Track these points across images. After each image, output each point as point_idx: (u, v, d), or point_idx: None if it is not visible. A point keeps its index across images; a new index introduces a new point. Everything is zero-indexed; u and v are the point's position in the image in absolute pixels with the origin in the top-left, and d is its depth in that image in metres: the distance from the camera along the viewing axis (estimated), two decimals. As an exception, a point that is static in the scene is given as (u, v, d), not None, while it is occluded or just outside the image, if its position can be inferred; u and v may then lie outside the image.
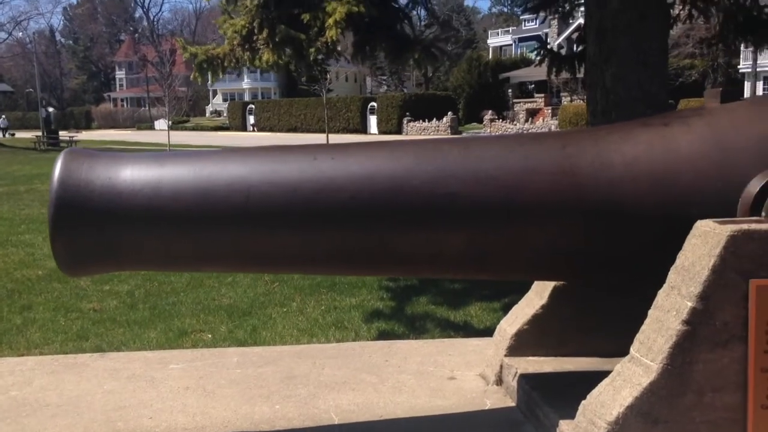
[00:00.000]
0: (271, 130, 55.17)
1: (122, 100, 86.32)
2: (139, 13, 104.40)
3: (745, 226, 2.05)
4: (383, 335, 5.17)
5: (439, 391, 2.97)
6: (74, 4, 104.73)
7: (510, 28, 76.64)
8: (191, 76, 6.76)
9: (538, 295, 3.07)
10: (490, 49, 74.99)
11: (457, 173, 2.32)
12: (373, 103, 52.25)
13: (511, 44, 73.22)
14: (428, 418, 2.70)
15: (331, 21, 5.23)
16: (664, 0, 5.82)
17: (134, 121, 70.05)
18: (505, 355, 2.98)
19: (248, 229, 2.22)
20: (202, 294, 6.37)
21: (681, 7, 6.57)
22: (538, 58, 7.31)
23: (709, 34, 6.97)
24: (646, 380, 2.09)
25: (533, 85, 51.79)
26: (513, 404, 2.83)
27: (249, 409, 2.76)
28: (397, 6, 6.09)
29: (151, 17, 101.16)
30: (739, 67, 41.80)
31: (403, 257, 2.34)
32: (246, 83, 72.25)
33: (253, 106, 60.25)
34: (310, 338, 5.08)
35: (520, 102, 51.76)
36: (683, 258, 2.16)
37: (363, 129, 51.48)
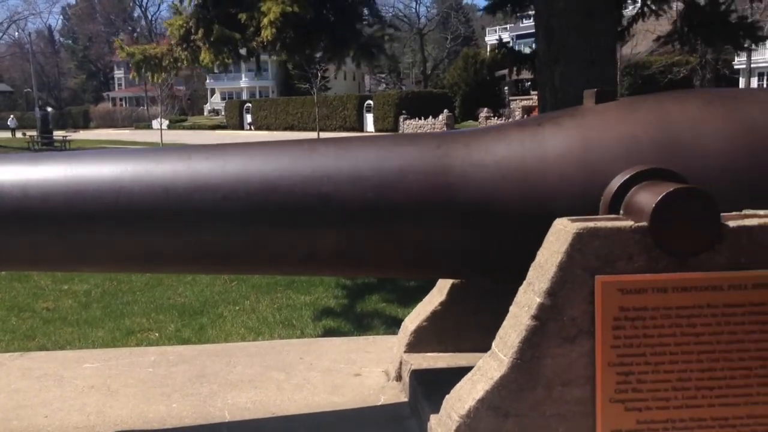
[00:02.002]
0: (268, 128, 55.26)
1: (121, 100, 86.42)
2: (137, 12, 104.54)
3: (591, 224, 2.10)
4: (329, 333, 5.23)
5: (340, 387, 3.03)
6: (72, 4, 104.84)
7: (508, 26, 76.54)
8: (130, 76, 6.84)
9: (440, 291, 3.12)
10: (488, 46, 74.91)
11: (331, 174, 2.37)
12: (370, 101, 52.29)
13: (509, 41, 73.08)
14: (319, 414, 2.76)
15: (266, 21, 5.30)
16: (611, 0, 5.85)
17: (132, 121, 70.18)
18: (405, 352, 3.04)
19: (121, 229, 2.28)
20: (159, 293, 6.44)
21: (633, 5, 6.61)
22: (499, 56, 7.35)
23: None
24: (497, 374, 2.14)
25: (529, 83, 51.79)
26: (406, 400, 2.88)
27: (145, 407, 2.82)
28: (335, 6, 6.17)
29: (149, 16, 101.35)
30: (734, 63, 41.78)
31: (277, 257, 2.40)
32: (244, 82, 72.32)
33: (250, 105, 60.34)
34: (255, 336, 5.14)
35: (516, 99, 51.78)
36: (539, 255, 2.21)
37: (360, 127, 51.53)
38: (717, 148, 2.31)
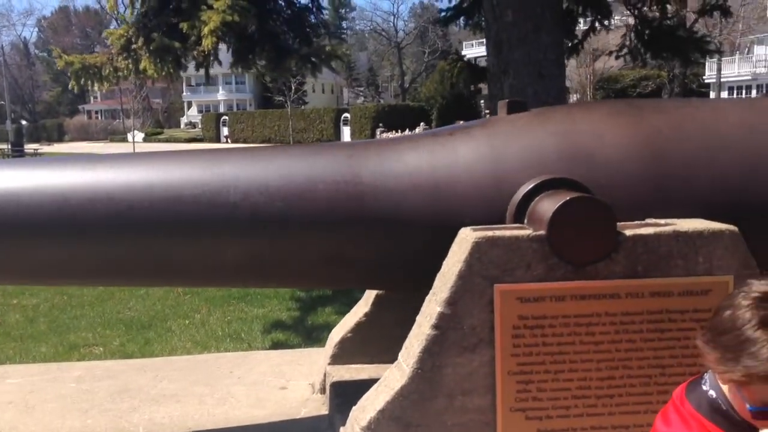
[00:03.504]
0: (245, 141, 54.99)
1: (97, 113, 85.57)
2: (114, 25, 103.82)
3: (489, 233, 2.11)
4: (276, 346, 5.17)
5: (263, 401, 3.00)
6: (48, 16, 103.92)
7: (484, 39, 77.26)
8: (69, 85, 6.77)
9: (365, 302, 3.11)
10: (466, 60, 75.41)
11: (238, 183, 2.36)
12: (347, 114, 52.38)
13: (485, 55, 73.77)
14: (236, 428, 2.73)
15: (206, 30, 5.28)
16: (559, 14, 5.93)
17: (108, 134, 69.45)
18: (329, 364, 3.02)
19: (18, 240, 2.24)
20: (109, 307, 6.34)
21: (583, 20, 6.71)
22: (456, 70, 7.41)
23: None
24: (399, 385, 2.13)
25: (505, 96, 52.20)
26: (326, 413, 2.86)
27: (60, 424, 2.77)
28: (277, 16, 6.18)
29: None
30: (704, 77, 42.55)
31: (183, 267, 2.37)
32: (221, 95, 72.00)
33: (227, 118, 60.07)
34: (202, 350, 5.08)
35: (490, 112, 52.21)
36: (444, 264, 2.21)
37: (337, 140, 51.52)
38: (621, 158, 2.34)
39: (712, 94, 41.65)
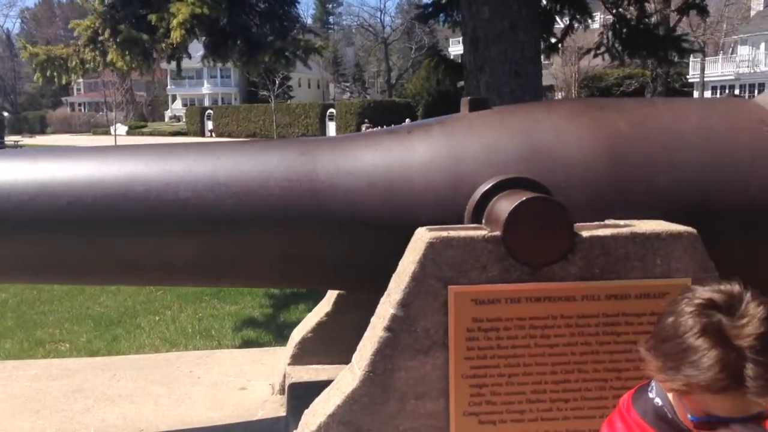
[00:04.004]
0: (229, 135, 54.60)
1: (80, 105, 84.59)
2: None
3: (444, 233, 2.06)
4: (247, 343, 5.10)
5: (221, 402, 2.94)
6: (31, 8, 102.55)
7: (471, 36, 77.22)
8: (35, 78, 6.65)
9: (327, 301, 3.05)
10: (451, 56, 75.53)
11: (188, 180, 2.29)
12: (332, 110, 52.20)
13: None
14: (189, 430, 2.67)
15: (175, 22, 5.18)
16: (536, 11, 5.89)
17: (91, 126, 68.69)
18: (289, 364, 2.96)
19: None
20: (79, 302, 6.23)
21: (561, 18, 6.69)
22: (432, 65, 7.35)
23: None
24: (350, 388, 2.08)
25: (491, 93, 52.25)
26: (284, 414, 2.81)
27: (8, 425, 2.69)
28: (250, 9, 6.08)
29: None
30: (688, 76, 42.88)
31: (132, 266, 2.30)
32: (206, 88, 71.40)
33: (211, 112, 59.64)
34: (170, 347, 5.00)
35: (477, 109, 52.21)
36: (399, 265, 2.16)
37: (322, 135, 51.34)
38: (580, 157, 2.30)
39: (696, 94, 41.99)
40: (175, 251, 2.28)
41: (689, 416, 1.30)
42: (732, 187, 2.30)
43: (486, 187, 2.23)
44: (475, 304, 2.06)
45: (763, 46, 42.00)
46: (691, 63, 42.59)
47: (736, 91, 35.61)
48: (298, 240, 2.33)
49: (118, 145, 2.45)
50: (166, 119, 73.18)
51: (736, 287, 1.27)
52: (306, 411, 2.21)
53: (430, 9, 7.12)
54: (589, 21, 6.54)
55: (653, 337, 1.33)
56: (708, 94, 43.25)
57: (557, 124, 2.38)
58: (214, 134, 56.49)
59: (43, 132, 66.73)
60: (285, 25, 6.39)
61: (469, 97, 2.57)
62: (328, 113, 52.09)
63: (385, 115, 48.76)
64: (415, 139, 2.41)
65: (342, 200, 2.32)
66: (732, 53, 45.05)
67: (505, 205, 2.09)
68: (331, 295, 3.04)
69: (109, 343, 5.10)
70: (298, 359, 2.97)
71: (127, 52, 5.62)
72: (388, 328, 2.06)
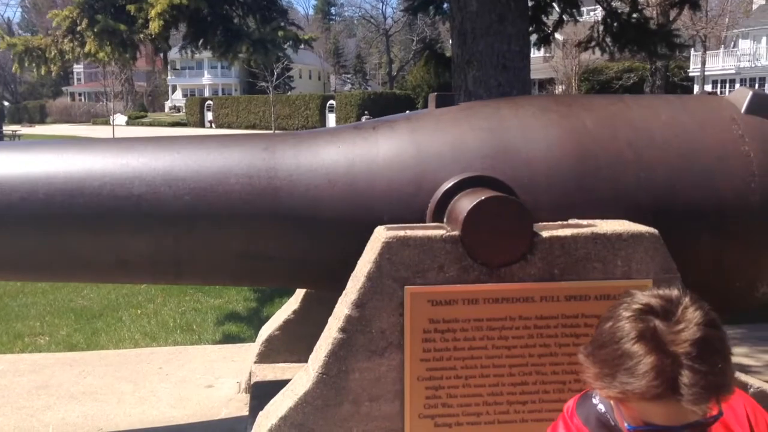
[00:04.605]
0: (229, 126, 54.51)
1: (80, 95, 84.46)
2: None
3: (401, 233, 2.02)
4: (228, 338, 5.07)
5: (185, 400, 2.90)
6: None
7: (472, 29, 76.86)
8: (13, 68, 6.58)
9: (295, 299, 3.02)
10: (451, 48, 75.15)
11: (143, 175, 2.25)
12: (332, 102, 52.09)
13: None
14: (149, 429, 2.63)
15: (153, 13, 5.10)
16: (525, 4, 5.82)
17: (91, 116, 68.59)
18: (255, 362, 2.92)
19: None
20: (62, 295, 6.20)
21: (551, 11, 6.60)
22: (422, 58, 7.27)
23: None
24: (302, 390, 2.04)
25: (491, 86, 52.02)
26: (248, 413, 2.77)
27: (-33, 420, 2.65)
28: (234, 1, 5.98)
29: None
30: (688, 70, 42.69)
31: (88, 263, 2.26)
32: (206, 79, 71.24)
33: (211, 102, 59.51)
34: (149, 342, 4.96)
35: (477, 102, 52.08)
36: (357, 265, 2.12)
37: (322, 126, 51.22)
38: (545, 155, 2.25)
39: (696, 88, 41.81)
40: (130, 248, 2.24)
41: (626, 425, 1.26)
42: (700, 186, 2.25)
43: (448, 185, 2.18)
44: (432, 305, 2.02)
45: (764, 40, 41.80)
46: (692, 57, 42.42)
47: (737, 85, 35.41)
48: (257, 237, 2.29)
49: (71, 140, 2.41)
50: (166, 110, 73.06)
51: (675, 291, 1.23)
52: (260, 413, 2.17)
53: (419, 1, 7.03)
54: (578, 14, 6.47)
55: (591, 342, 1.29)
56: (708, 88, 43.08)
57: (524, 121, 2.33)
58: (213, 125, 56.39)
59: (42, 122, 66.68)
60: (273, 16, 6.31)
61: (435, 93, 2.52)
62: (328, 105, 52.00)
63: (385, 106, 48.65)
64: (380, 136, 2.36)
65: (302, 197, 2.28)
66: (733, 47, 44.84)
67: (465, 204, 2.04)
68: (300, 293, 3.00)
69: (89, 337, 5.06)
70: (264, 357, 2.93)
71: (106, 43, 5.55)
72: (343, 329, 2.02)
